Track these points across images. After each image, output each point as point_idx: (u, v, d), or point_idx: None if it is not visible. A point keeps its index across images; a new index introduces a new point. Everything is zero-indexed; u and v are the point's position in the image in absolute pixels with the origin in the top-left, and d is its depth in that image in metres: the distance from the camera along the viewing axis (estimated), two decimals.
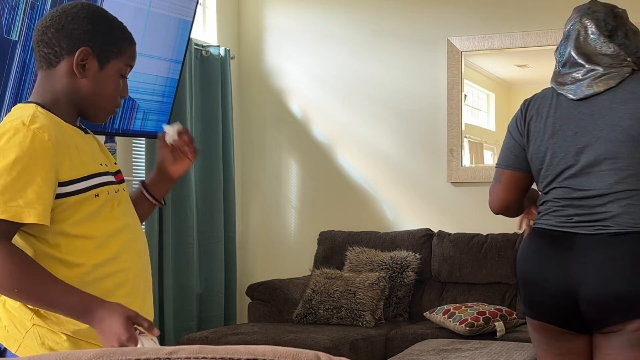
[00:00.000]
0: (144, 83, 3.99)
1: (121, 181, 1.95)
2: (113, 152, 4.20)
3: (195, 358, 0.73)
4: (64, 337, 1.75)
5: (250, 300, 5.17)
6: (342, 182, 5.74)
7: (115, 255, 1.83)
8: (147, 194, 2.05)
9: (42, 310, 1.74)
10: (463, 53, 5.45)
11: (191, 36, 4.87)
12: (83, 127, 1.95)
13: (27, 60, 3.83)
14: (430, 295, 5.13)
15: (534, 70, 5.60)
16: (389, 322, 5.01)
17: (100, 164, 1.88)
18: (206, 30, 5.77)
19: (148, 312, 1.92)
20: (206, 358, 0.73)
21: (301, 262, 5.69)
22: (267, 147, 5.96)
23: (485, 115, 5.79)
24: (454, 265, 5.17)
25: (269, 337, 4.40)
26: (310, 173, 5.85)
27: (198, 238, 5.39)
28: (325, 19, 5.81)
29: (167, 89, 4.18)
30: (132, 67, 1.91)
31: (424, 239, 5.30)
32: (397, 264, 5.14)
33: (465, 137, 5.51)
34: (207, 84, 5.49)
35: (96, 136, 2.04)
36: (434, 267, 5.25)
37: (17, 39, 3.77)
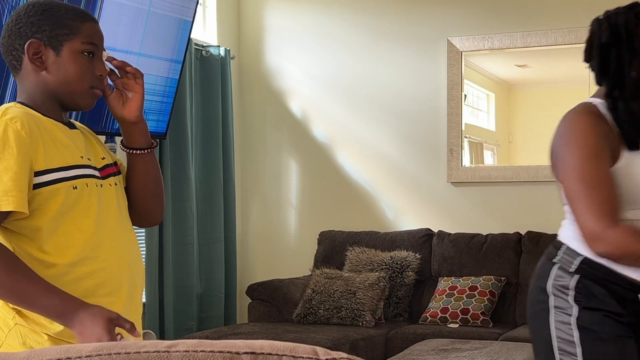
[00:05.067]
0: (144, 83, 3.99)
1: (107, 176, 1.89)
2: (113, 152, 4.20)
3: (194, 351, 0.73)
4: (46, 337, 1.74)
5: (250, 300, 5.17)
6: (342, 182, 5.74)
7: (94, 253, 1.79)
8: (125, 149, 1.95)
9: (24, 310, 1.73)
10: (463, 53, 5.45)
11: (191, 36, 4.88)
12: (71, 122, 1.91)
13: None
14: (430, 295, 5.13)
15: (534, 70, 5.60)
16: (389, 322, 5.01)
17: (81, 157, 1.83)
18: (206, 30, 5.77)
19: (134, 311, 1.88)
20: (204, 352, 0.73)
21: (301, 262, 5.69)
22: (267, 147, 5.97)
23: (485, 115, 5.80)
24: (454, 265, 5.18)
25: (269, 337, 4.40)
26: (310, 173, 5.85)
27: (198, 238, 5.39)
28: (325, 19, 5.81)
29: (167, 89, 4.19)
30: (96, 45, 1.83)
31: (424, 239, 5.30)
32: (397, 264, 5.15)
33: (465, 137, 5.51)
34: (207, 84, 5.49)
35: (97, 136, 2.01)
36: (434, 267, 5.25)
37: None
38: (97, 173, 1.86)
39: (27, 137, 1.72)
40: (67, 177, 1.77)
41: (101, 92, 1.88)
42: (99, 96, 1.88)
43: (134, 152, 1.94)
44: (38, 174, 1.73)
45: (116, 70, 1.92)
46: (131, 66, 1.92)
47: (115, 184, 1.91)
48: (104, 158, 1.93)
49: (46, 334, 1.74)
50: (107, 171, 1.90)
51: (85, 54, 1.82)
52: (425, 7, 5.56)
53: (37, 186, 1.73)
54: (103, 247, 1.81)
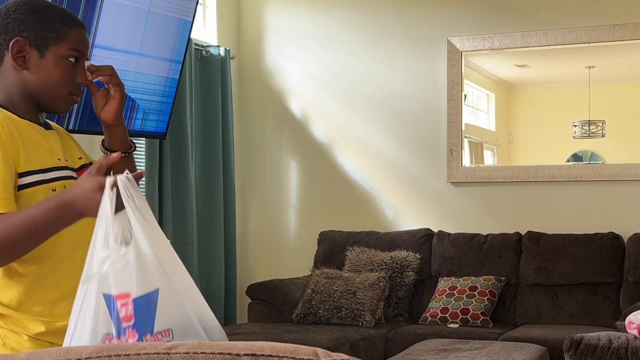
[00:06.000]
0: (144, 83, 3.99)
1: None
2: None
3: (194, 353, 0.73)
4: (25, 338, 1.73)
5: (250, 300, 5.17)
6: (342, 182, 5.74)
7: (72, 254, 1.77)
8: (103, 149, 1.93)
9: (3, 311, 1.72)
10: (463, 53, 5.45)
11: (191, 36, 4.88)
12: (47, 122, 1.90)
13: None
14: (430, 295, 5.13)
15: (534, 70, 5.60)
16: (389, 322, 5.01)
17: (59, 159, 1.82)
18: (206, 30, 5.77)
19: None
20: (205, 353, 0.73)
21: (301, 262, 5.69)
22: (267, 147, 5.97)
23: (485, 115, 5.80)
24: (454, 265, 5.18)
25: (269, 337, 4.39)
26: (310, 173, 5.85)
27: (198, 238, 5.39)
28: (325, 19, 5.81)
29: (167, 89, 4.18)
30: (81, 52, 1.82)
31: (424, 239, 5.30)
32: (397, 264, 5.14)
33: (465, 137, 5.51)
34: (207, 84, 5.49)
35: (70, 134, 1.99)
36: (434, 267, 5.25)
37: None
38: (74, 174, 1.85)
39: (8, 138, 1.71)
40: (45, 180, 1.76)
41: (79, 99, 1.86)
42: (75, 102, 1.87)
43: (110, 154, 1.90)
44: (19, 175, 1.72)
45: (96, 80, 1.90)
46: (104, 74, 1.88)
47: None
48: (80, 158, 1.93)
49: (26, 334, 1.73)
50: (84, 171, 1.85)
51: (70, 59, 1.80)
52: (425, 7, 5.56)
53: (19, 187, 1.72)
54: (82, 248, 1.77)
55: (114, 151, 1.87)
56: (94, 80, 1.87)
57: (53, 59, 1.78)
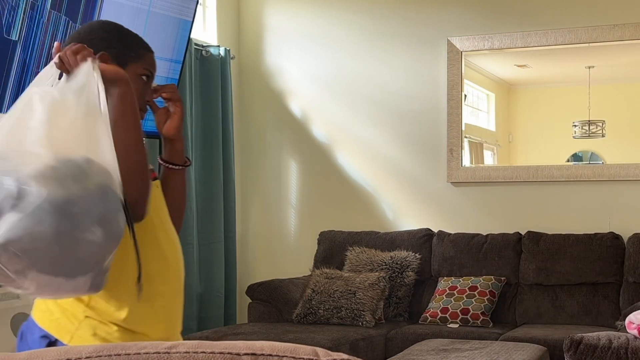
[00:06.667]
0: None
1: (154, 179, 2.03)
2: None
3: (194, 353, 0.73)
4: (115, 328, 1.82)
5: (250, 300, 5.17)
6: (342, 182, 5.74)
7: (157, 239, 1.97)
8: (161, 161, 2.11)
9: (92, 302, 1.82)
10: (463, 53, 5.45)
11: (191, 36, 4.88)
12: None
13: (27, 60, 3.83)
14: (430, 295, 5.13)
15: (534, 70, 5.60)
16: (389, 322, 5.01)
17: None
18: (206, 30, 5.77)
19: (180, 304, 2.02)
20: (205, 353, 0.73)
21: (301, 262, 5.69)
22: (267, 147, 5.97)
23: (485, 115, 5.80)
24: (454, 265, 5.18)
25: (269, 337, 4.40)
26: (310, 173, 5.85)
27: (198, 238, 5.39)
28: (325, 19, 5.81)
29: None
30: (152, 74, 2.02)
31: (424, 239, 5.30)
32: (397, 264, 5.15)
33: (465, 137, 5.51)
34: (207, 84, 5.49)
35: None
36: (434, 267, 5.25)
37: (17, 39, 3.77)
38: None
39: None
40: None
41: (144, 115, 2.03)
42: (141, 118, 2.02)
43: (168, 166, 2.10)
44: None
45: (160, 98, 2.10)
46: (167, 92, 2.08)
47: (157, 187, 2.06)
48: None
49: (115, 323, 1.82)
50: (153, 175, 2.04)
51: (142, 77, 1.98)
52: (425, 7, 5.56)
53: None
54: (166, 235, 1.97)
55: (172, 164, 2.08)
56: (154, 100, 2.07)
57: (130, 74, 1.93)
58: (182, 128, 2.08)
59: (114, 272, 1.74)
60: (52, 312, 1.84)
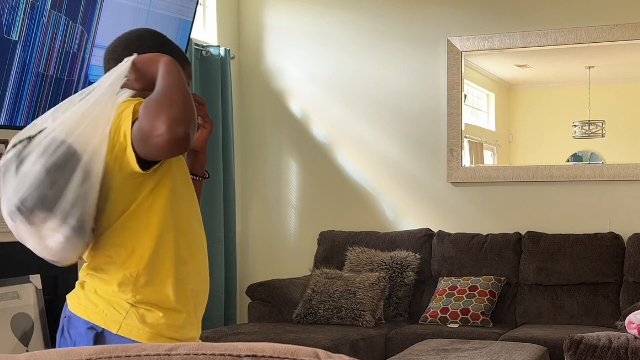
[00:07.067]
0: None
1: None
2: None
3: (194, 354, 0.73)
4: (160, 314, 1.93)
5: (250, 300, 5.17)
6: (342, 182, 5.74)
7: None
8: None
9: (137, 292, 1.92)
10: (463, 53, 5.45)
11: (191, 36, 4.88)
12: None
13: (27, 60, 3.83)
14: (430, 295, 5.13)
15: (534, 70, 5.60)
16: (389, 322, 5.01)
17: None
18: (206, 30, 5.77)
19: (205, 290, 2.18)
20: (205, 355, 0.73)
21: (301, 262, 5.69)
22: (267, 147, 5.97)
23: (485, 115, 5.80)
24: (454, 265, 5.18)
25: (269, 337, 4.40)
26: (310, 173, 5.85)
27: None
28: (325, 19, 5.81)
29: None
30: (189, 82, 2.10)
31: (424, 239, 5.30)
32: (397, 264, 5.15)
33: (465, 137, 5.51)
34: (207, 84, 5.49)
35: None
36: (434, 267, 5.25)
37: (17, 39, 3.77)
38: None
39: None
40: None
41: None
42: None
43: (194, 177, 2.24)
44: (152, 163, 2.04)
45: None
46: (200, 114, 2.23)
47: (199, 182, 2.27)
48: None
49: (160, 308, 1.93)
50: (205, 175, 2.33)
51: None
52: (425, 7, 5.56)
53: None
54: (200, 226, 2.15)
55: (194, 174, 2.23)
56: None
57: None
58: (208, 141, 2.26)
59: (153, 260, 1.93)
60: (96, 304, 1.93)
